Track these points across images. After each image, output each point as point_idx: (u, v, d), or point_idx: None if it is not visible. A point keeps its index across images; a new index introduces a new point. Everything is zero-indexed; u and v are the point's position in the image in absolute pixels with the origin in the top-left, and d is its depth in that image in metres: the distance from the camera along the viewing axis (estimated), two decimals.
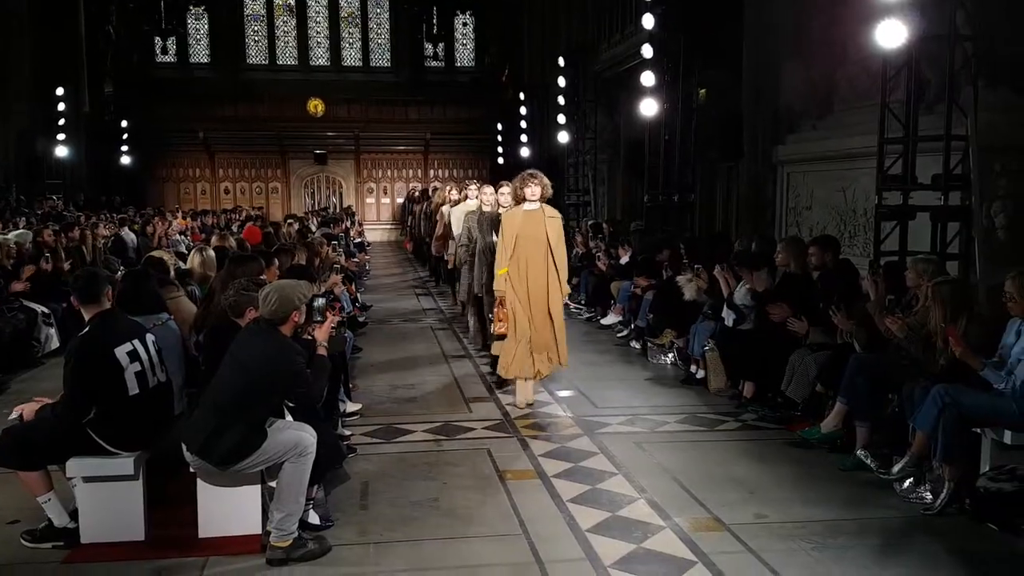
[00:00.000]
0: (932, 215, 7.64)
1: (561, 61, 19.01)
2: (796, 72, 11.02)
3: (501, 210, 7.94)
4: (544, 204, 6.95)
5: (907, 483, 4.99)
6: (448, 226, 10.81)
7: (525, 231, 6.84)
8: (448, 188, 12.43)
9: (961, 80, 7.58)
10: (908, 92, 7.83)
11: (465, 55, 29.46)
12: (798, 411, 6.41)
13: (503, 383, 7.46)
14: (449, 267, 10.95)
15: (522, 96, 23.24)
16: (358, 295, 11.75)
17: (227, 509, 4.40)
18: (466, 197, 10.29)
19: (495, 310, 7.01)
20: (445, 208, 11.54)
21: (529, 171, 7.10)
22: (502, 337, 6.89)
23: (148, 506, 4.47)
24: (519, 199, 6.96)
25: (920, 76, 7.85)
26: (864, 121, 8.92)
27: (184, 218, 18.09)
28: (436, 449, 6.00)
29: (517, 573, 4.10)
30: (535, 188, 6.90)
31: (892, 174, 7.95)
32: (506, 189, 7.76)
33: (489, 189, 9.02)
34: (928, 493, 4.87)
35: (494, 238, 7.54)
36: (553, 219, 6.91)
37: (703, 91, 12.78)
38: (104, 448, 4.30)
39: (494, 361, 7.54)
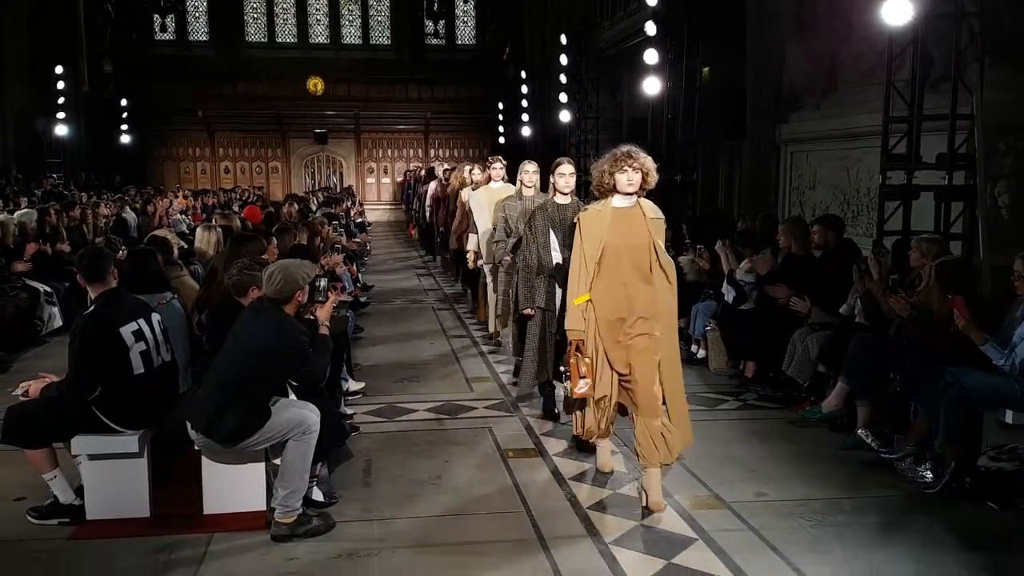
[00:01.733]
0: (936, 194, 7.63)
1: (563, 39, 18.92)
2: (800, 50, 10.97)
3: (560, 198, 5.84)
4: (642, 198, 4.68)
5: (907, 462, 5.00)
6: (469, 214, 8.77)
7: (616, 239, 4.54)
8: (469, 168, 10.32)
9: (967, 58, 7.54)
10: (913, 70, 7.79)
11: (466, 33, 29.31)
12: (799, 391, 6.43)
13: (584, 445, 5.29)
14: (470, 266, 9.05)
15: (523, 74, 23.15)
16: (359, 275, 11.75)
17: (232, 486, 4.43)
18: (489, 179, 8.45)
19: (569, 360, 4.61)
20: (465, 193, 9.54)
21: (625, 148, 4.59)
22: (584, 401, 4.77)
23: (153, 483, 4.49)
24: (604, 188, 4.61)
25: (925, 54, 7.81)
26: (868, 100, 8.90)
27: (185, 197, 18.07)
28: (438, 428, 6.02)
29: (518, 549, 4.13)
30: (634, 175, 4.51)
31: (896, 153, 7.92)
32: (568, 168, 5.87)
33: (531, 166, 6.99)
34: (929, 472, 4.89)
35: (553, 240, 5.62)
36: (657, 220, 4.64)
37: (706, 69, 12.72)
38: (109, 426, 4.32)
39: (517, 369, 6.64)
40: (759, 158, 11.96)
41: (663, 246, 4.65)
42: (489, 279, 8.23)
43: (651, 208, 4.66)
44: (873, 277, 5.93)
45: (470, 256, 8.70)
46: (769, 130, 11.63)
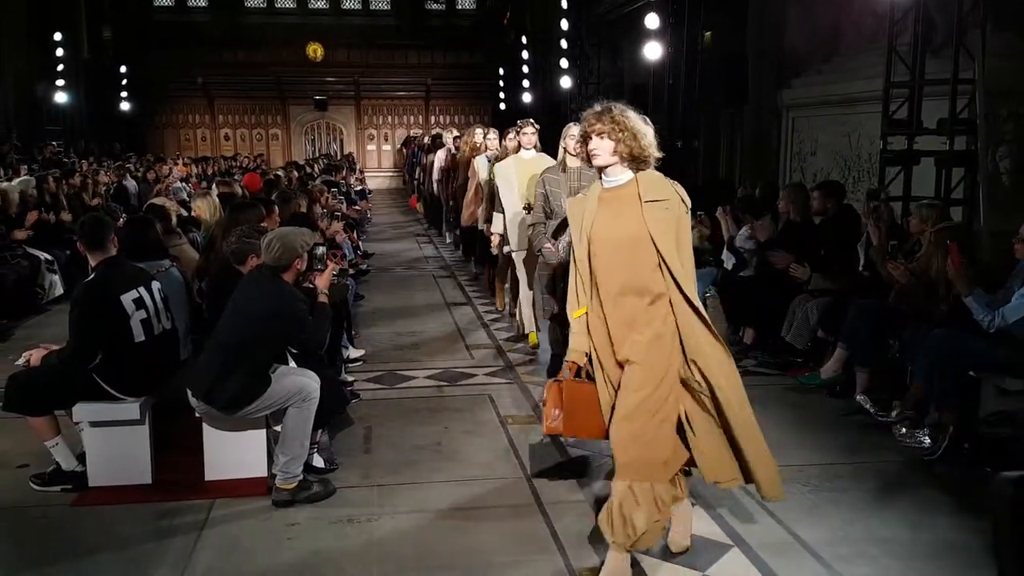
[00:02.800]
0: (937, 160, 7.60)
1: (563, 3, 18.72)
2: (802, 15, 10.88)
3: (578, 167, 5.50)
4: (643, 172, 3.41)
5: (905, 427, 5.03)
6: (491, 189, 7.55)
7: (602, 231, 3.40)
8: (482, 131, 9.33)
9: (968, 23, 7.47)
10: (915, 35, 7.74)
11: None
12: (798, 357, 6.45)
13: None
14: (494, 251, 7.64)
15: (524, 40, 22.94)
16: (360, 243, 11.74)
17: (233, 453, 4.46)
18: (519, 147, 7.10)
19: (545, 393, 3.58)
20: (480, 162, 8.68)
21: (598, 106, 3.45)
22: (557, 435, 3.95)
23: (154, 450, 4.52)
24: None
25: (927, 19, 7.74)
26: (870, 65, 8.83)
27: (185, 165, 18.00)
28: (438, 395, 6.05)
29: (518, 514, 4.16)
30: (601, 142, 3.35)
31: (897, 119, 7.89)
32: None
33: (576, 129, 4.96)
34: (926, 438, 4.91)
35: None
36: (656, 204, 3.32)
37: (708, 34, 12.61)
38: (110, 394, 4.35)
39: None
40: (760, 124, 11.90)
41: (673, 244, 3.31)
42: (522, 272, 6.92)
43: (651, 186, 3.36)
44: (873, 242, 5.92)
45: (494, 240, 7.40)
46: (771, 96, 11.56)
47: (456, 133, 12.66)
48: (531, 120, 7.18)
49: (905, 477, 4.60)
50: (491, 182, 7.54)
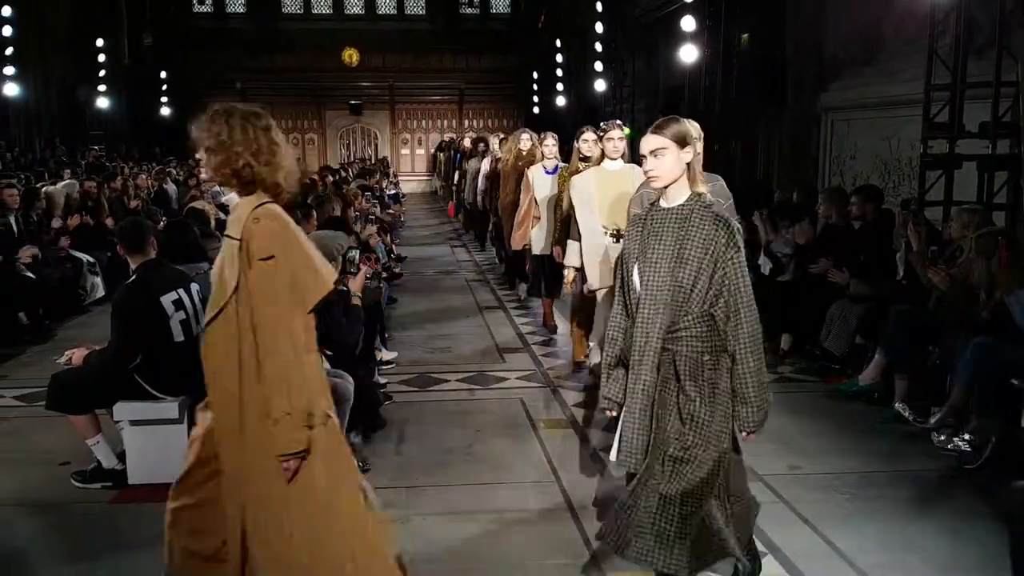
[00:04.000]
0: (979, 164, 7.48)
1: (598, 6, 18.68)
2: (841, 16, 10.76)
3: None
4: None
5: (944, 435, 4.94)
6: (562, 209, 6.44)
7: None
8: (531, 137, 8.20)
9: (1012, 24, 7.34)
10: (956, 37, 7.62)
11: (500, 2, 29.00)
12: (836, 364, 6.37)
13: None
14: (566, 289, 6.43)
15: (558, 43, 22.92)
16: (393, 246, 11.80)
17: None
18: (603, 155, 5.71)
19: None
20: (536, 173, 7.29)
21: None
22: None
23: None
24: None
25: (969, 20, 7.62)
26: (911, 67, 8.72)
27: None
28: (470, 398, 6.06)
29: (549, 519, 4.16)
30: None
31: (938, 122, 7.78)
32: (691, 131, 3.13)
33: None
34: (965, 446, 4.83)
35: None
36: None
37: (745, 36, 12.52)
38: (150, 393, 4.42)
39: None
40: (798, 127, 11.79)
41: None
42: (601, 310, 5.49)
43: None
44: (912, 248, 5.83)
45: (568, 276, 6.10)
46: (809, 99, 11.45)
47: (502, 136, 11.12)
48: (618, 122, 5.76)
49: (944, 485, 4.53)
50: (561, 200, 6.56)
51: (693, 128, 3.40)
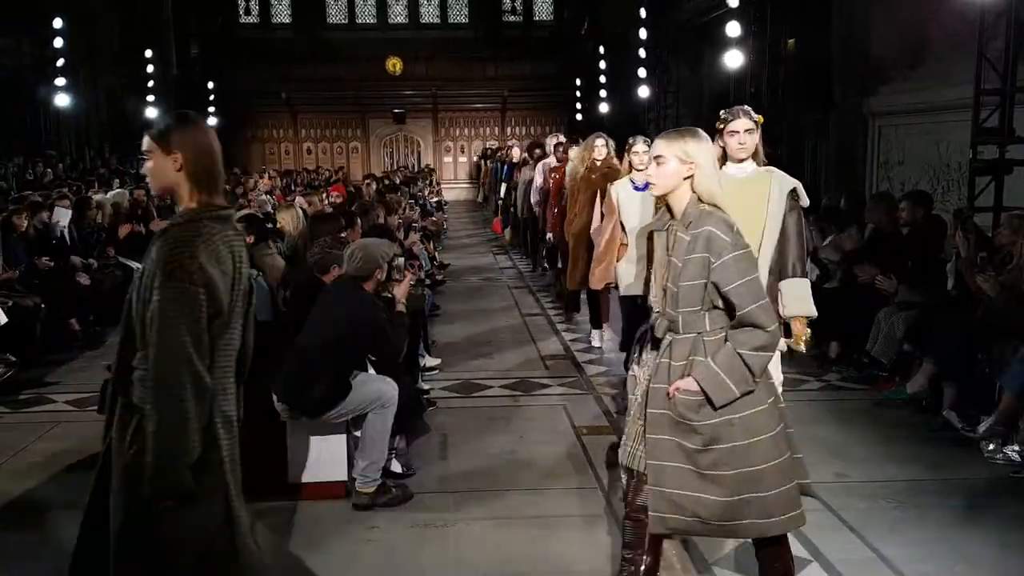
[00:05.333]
0: None
1: (642, 12, 18.64)
2: (888, 20, 10.63)
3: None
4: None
5: (993, 444, 4.87)
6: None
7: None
8: (603, 143, 6.88)
9: None
10: (1007, 41, 7.50)
11: (543, 8, 29.06)
12: (884, 372, 6.28)
13: None
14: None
15: (601, 50, 22.90)
16: (436, 253, 11.88)
17: (315, 456, 4.56)
18: (724, 156, 3.88)
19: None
20: (622, 190, 5.48)
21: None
22: None
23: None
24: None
25: (1020, 23, 7.49)
26: (959, 71, 8.58)
27: (270, 178, 18.50)
28: (513, 404, 6.09)
29: (591, 524, 4.16)
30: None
31: (988, 127, 7.66)
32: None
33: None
34: (1015, 454, 4.75)
35: None
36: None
37: (791, 41, 12.42)
38: None
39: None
40: (845, 132, 11.66)
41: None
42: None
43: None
44: (961, 254, 5.75)
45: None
46: (856, 103, 11.32)
47: (560, 138, 9.60)
48: (746, 109, 3.97)
49: (993, 494, 4.46)
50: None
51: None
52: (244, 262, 2.61)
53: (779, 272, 3.90)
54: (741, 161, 3.87)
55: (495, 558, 3.86)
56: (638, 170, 5.57)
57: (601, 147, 6.83)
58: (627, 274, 5.00)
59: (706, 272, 2.84)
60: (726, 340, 2.87)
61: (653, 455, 2.95)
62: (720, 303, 2.87)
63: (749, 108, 3.95)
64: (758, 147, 3.91)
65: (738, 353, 2.82)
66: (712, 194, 2.90)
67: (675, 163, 2.89)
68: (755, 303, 2.82)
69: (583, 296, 7.95)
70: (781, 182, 3.88)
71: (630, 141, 5.75)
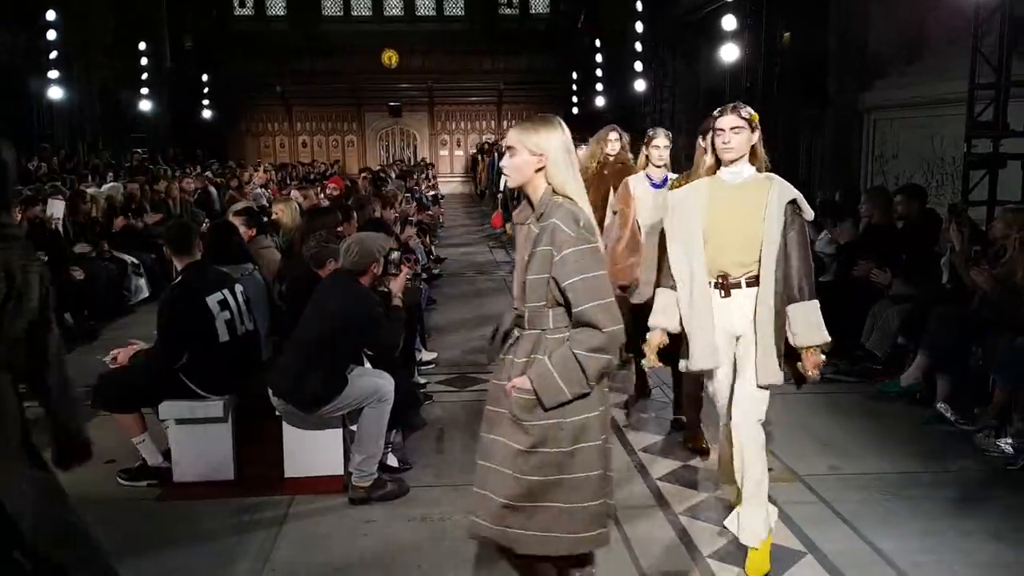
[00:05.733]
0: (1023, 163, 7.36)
1: (639, 5, 18.60)
2: (886, 15, 10.64)
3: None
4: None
5: (987, 436, 4.89)
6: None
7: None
8: (616, 136, 6.09)
9: None
10: (1001, 36, 7.51)
11: (540, 2, 29.00)
12: (878, 365, 6.30)
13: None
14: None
15: (597, 43, 22.86)
16: (432, 247, 11.88)
17: (311, 451, 4.58)
18: (717, 163, 3.69)
19: None
20: (636, 184, 5.23)
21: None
22: None
23: (237, 447, 4.67)
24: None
25: (1014, 18, 7.50)
26: (955, 66, 8.59)
27: (265, 171, 18.47)
28: None
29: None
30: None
31: (983, 121, 7.67)
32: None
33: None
34: (1008, 447, 4.77)
35: None
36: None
37: (787, 35, 12.41)
38: (195, 392, 4.51)
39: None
40: (841, 126, 11.67)
41: None
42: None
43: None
44: (955, 248, 5.76)
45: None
46: (852, 98, 11.33)
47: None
48: (738, 105, 3.67)
49: (987, 487, 4.48)
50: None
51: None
52: (20, 276, 2.62)
53: (785, 294, 3.55)
54: (732, 163, 3.58)
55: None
56: (656, 166, 5.20)
57: (615, 141, 6.11)
58: (642, 280, 4.91)
59: (548, 266, 2.73)
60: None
61: (484, 455, 2.89)
62: (561, 299, 2.75)
63: (742, 104, 3.64)
64: (756, 149, 3.60)
65: (574, 354, 2.68)
66: (564, 185, 2.78)
67: (526, 155, 2.79)
68: (592, 301, 2.67)
69: None
70: (780, 191, 3.53)
71: (650, 133, 5.26)
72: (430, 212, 14.54)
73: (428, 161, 26.38)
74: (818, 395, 6.03)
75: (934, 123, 9.58)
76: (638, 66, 18.78)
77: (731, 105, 3.64)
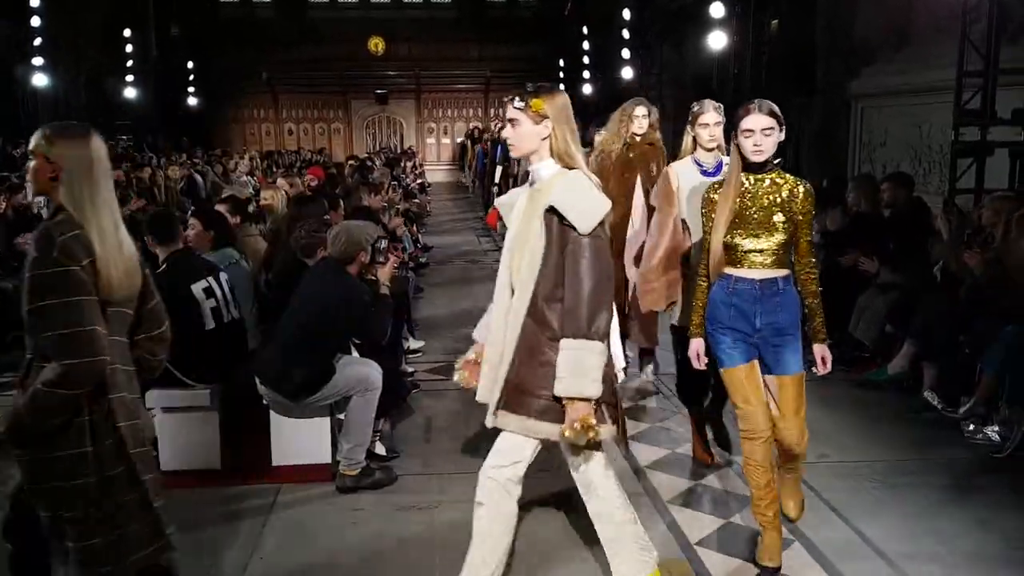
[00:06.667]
0: (1011, 151, 7.37)
1: None
2: (874, 2, 10.64)
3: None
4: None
5: (973, 424, 4.91)
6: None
7: None
8: (644, 112, 5.41)
9: None
10: (989, 23, 7.51)
11: None
12: (866, 353, 6.32)
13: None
14: None
15: (585, 30, 22.80)
16: (419, 236, 11.84)
17: (298, 440, 4.56)
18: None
19: None
20: (680, 172, 4.20)
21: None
22: None
23: (224, 436, 4.64)
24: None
25: (1002, 6, 7.51)
26: (943, 54, 8.60)
27: (250, 159, 18.37)
28: None
29: (574, 508, 4.16)
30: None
31: (970, 109, 7.69)
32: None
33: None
34: (995, 434, 4.80)
35: None
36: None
37: (774, 23, 12.39)
38: (182, 380, 4.47)
39: None
40: (829, 114, 11.68)
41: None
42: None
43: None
44: (943, 237, 5.78)
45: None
46: (839, 86, 11.34)
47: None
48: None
49: (974, 474, 4.50)
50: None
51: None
52: None
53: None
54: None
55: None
56: (707, 148, 4.19)
57: (643, 118, 5.30)
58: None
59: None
60: None
61: None
62: None
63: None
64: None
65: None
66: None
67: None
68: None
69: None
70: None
71: (695, 109, 4.20)
72: (417, 200, 14.50)
73: (414, 149, 26.28)
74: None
75: (922, 111, 9.59)
76: (626, 54, 18.73)
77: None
